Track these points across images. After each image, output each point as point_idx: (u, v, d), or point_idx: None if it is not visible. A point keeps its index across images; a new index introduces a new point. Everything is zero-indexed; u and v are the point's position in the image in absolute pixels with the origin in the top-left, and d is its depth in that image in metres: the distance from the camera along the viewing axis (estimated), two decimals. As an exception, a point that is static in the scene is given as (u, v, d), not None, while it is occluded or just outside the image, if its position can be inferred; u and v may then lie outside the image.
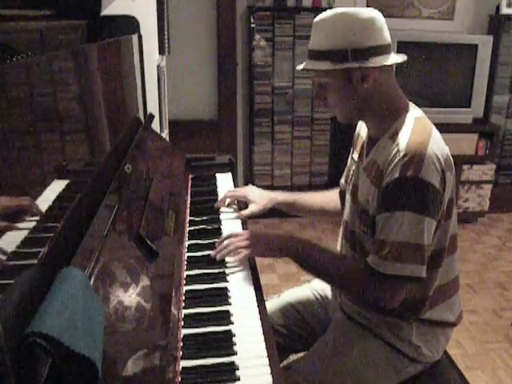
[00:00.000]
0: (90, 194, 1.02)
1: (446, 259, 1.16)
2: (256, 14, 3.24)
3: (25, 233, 0.73)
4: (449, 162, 1.09)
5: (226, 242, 1.25)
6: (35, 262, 0.73)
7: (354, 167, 1.30)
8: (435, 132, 1.11)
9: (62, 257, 0.78)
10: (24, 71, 0.80)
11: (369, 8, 1.11)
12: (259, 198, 1.51)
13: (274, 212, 1.53)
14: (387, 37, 1.11)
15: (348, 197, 1.30)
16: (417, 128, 1.09)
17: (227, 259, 1.24)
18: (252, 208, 1.50)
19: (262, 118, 3.45)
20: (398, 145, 1.07)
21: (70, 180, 0.96)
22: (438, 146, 1.07)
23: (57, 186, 0.89)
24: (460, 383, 1.25)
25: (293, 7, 3.32)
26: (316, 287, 1.46)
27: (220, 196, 1.64)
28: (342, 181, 1.45)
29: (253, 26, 3.25)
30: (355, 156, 1.31)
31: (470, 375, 1.36)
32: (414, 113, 1.14)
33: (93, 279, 0.79)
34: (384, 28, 1.11)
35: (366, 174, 1.18)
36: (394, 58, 1.11)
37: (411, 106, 1.17)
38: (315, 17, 1.13)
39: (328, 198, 1.52)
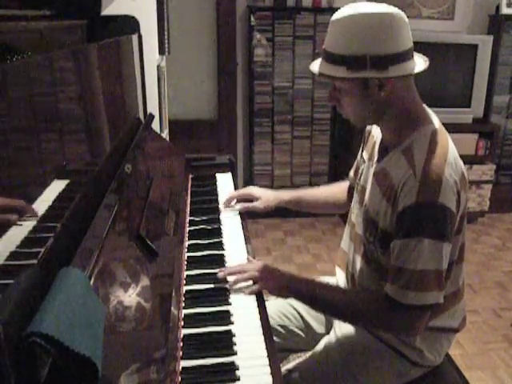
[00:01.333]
0: (90, 194, 1.02)
1: (453, 269, 1.14)
2: (256, 14, 3.24)
3: (25, 233, 0.73)
4: (464, 181, 1.06)
5: (237, 268, 1.19)
6: (35, 262, 0.73)
7: (363, 166, 1.27)
8: (451, 149, 1.06)
9: (62, 257, 0.77)
10: (24, 71, 0.80)
11: (390, 7, 1.02)
12: (264, 195, 1.52)
13: (273, 212, 1.53)
14: (409, 40, 1.04)
15: (356, 196, 1.27)
16: (433, 148, 1.03)
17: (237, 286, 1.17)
18: (256, 203, 1.51)
19: (262, 118, 3.45)
20: (414, 167, 1.02)
21: (69, 180, 0.96)
22: (455, 167, 1.03)
23: (57, 186, 0.89)
24: (460, 382, 1.25)
25: (293, 7, 3.31)
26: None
27: (220, 196, 1.65)
28: (352, 173, 1.42)
29: (253, 25, 3.25)
30: (365, 155, 1.28)
31: (470, 375, 1.36)
32: (431, 126, 1.08)
33: (93, 279, 0.79)
34: (406, 30, 1.03)
35: (376, 181, 1.14)
36: (415, 66, 1.05)
37: (429, 114, 1.12)
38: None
39: (334, 192, 1.51)
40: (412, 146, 1.05)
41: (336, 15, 1.04)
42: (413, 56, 1.06)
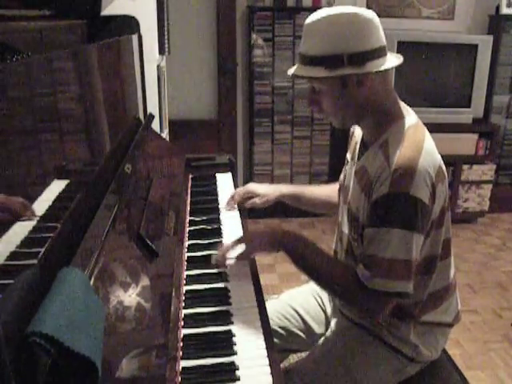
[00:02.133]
0: (90, 194, 1.02)
1: (439, 264, 1.15)
2: (256, 14, 3.24)
3: (25, 233, 0.73)
4: (441, 173, 1.07)
5: (221, 253, 1.24)
6: (35, 262, 0.73)
7: (347, 167, 1.29)
8: (428, 142, 1.08)
9: (62, 257, 0.78)
10: (24, 71, 0.80)
11: (362, 8, 1.06)
12: (263, 190, 1.53)
13: (273, 212, 1.54)
14: (383, 38, 1.07)
15: (341, 196, 1.29)
16: (408, 141, 1.05)
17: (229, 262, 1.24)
18: (255, 199, 1.52)
19: (262, 118, 3.45)
20: (388, 158, 1.04)
21: (69, 180, 0.96)
22: (430, 158, 1.04)
23: (57, 186, 0.89)
24: (460, 383, 1.25)
25: (293, 7, 3.31)
26: (315, 288, 1.45)
27: (220, 196, 1.65)
28: (341, 177, 1.43)
29: (253, 25, 3.25)
30: (348, 156, 1.30)
31: (470, 375, 1.36)
32: (408, 120, 1.10)
33: (93, 279, 0.79)
34: (380, 29, 1.07)
35: (357, 179, 1.16)
36: (391, 61, 1.08)
37: (405, 110, 1.14)
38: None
39: (333, 191, 1.51)
40: (388, 140, 1.08)
41: (309, 19, 1.07)
42: (387, 53, 1.09)
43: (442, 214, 1.10)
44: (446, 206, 1.12)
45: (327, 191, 1.52)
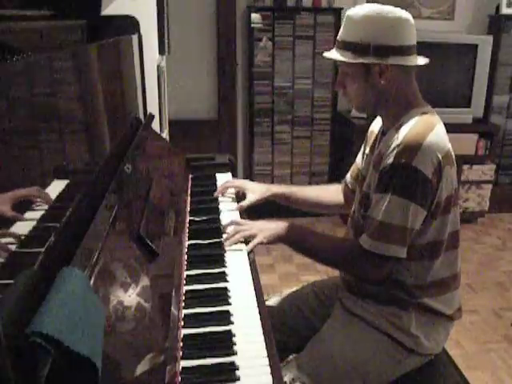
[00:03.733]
0: (90, 194, 1.02)
1: (446, 253, 1.19)
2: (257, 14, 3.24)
3: (25, 233, 0.73)
4: (449, 156, 1.13)
5: (231, 230, 1.32)
6: (35, 262, 0.73)
7: (364, 162, 1.35)
8: (439, 128, 1.15)
9: (62, 257, 0.77)
10: (24, 71, 0.80)
11: (398, 8, 1.16)
12: (257, 187, 1.57)
13: (273, 212, 1.54)
14: (412, 39, 1.16)
15: (357, 191, 1.34)
16: (420, 121, 1.13)
17: (239, 247, 1.29)
18: (250, 198, 1.54)
19: (262, 118, 3.45)
20: (398, 133, 1.13)
21: (69, 180, 0.96)
22: (439, 140, 1.11)
23: (57, 186, 0.89)
24: (460, 382, 1.25)
25: (293, 7, 3.31)
26: (317, 286, 1.46)
27: (220, 196, 1.64)
28: (348, 177, 1.50)
29: (253, 26, 3.25)
30: (367, 150, 1.36)
31: (470, 375, 1.35)
32: (424, 109, 1.19)
33: (93, 279, 0.79)
34: (410, 30, 1.16)
35: (374, 166, 1.23)
36: (414, 60, 1.17)
37: (425, 104, 1.22)
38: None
39: (324, 191, 1.58)
40: (402, 123, 1.16)
41: (351, 10, 1.18)
42: (415, 54, 1.18)
43: (449, 202, 1.15)
44: (454, 195, 1.17)
45: (320, 192, 1.57)
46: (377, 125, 1.35)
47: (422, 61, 1.18)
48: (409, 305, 1.20)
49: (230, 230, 1.35)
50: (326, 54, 1.24)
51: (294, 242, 1.29)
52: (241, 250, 1.29)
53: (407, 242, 1.12)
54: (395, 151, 1.10)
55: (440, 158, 1.09)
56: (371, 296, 1.25)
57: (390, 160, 1.10)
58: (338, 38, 1.22)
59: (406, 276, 1.18)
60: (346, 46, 1.17)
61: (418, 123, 1.13)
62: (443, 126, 1.18)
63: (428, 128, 1.12)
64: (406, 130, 1.12)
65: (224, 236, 1.33)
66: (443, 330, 1.25)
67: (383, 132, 1.27)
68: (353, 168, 1.48)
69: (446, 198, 1.14)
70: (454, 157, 1.16)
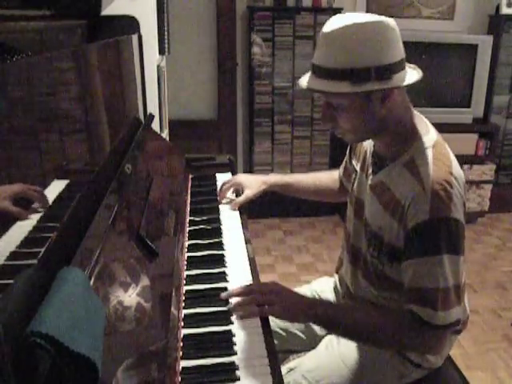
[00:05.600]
0: (90, 194, 1.02)
1: None
2: (256, 14, 3.24)
3: (25, 233, 0.73)
4: (465, 188, 1.05)
5: (247, 296, 1.06)
6: (35, 262, 0.73)
7: (355, 176, 1.25)
8: (452, 156, 1.05)
9: (62, 257, 0.78)
10: (24, 71, 0.80)
11: (383, 16, 0.98)
12: (253, 182, 1.55)
13: (273, 212, 1.54)
14: (403, 49, 1.01)
15: (350, 208, 1.26)
16: (437, 160, 1.01)
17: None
18: (247, 193, 1.54)
19: (262, 118, 3.45)
20: (422, 181, 0.99)
21: (69, 180, 0.96)
22: (459, 178, 1.01)
23: (57, 186, 0.89)
24: (460, 383, 1.25)
25: (293, 7, 3.31)
26: (316, 288, 1.45)
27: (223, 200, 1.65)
28: (341, 172, 1.45)
29: (252, 26, 3.25)
30: (356, 164, 1.26)
31: (470, 375, 1.35)
32: (431, 137, 1.06)
33: (93, 279, 0.79)
34: (400, 40, 1.00)
35: (375, 195, 1.12)
36: (412, 74, 1.02)
37: (425, 125, 1.09)
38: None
39: (322, 180, 1.54)
40: (415, 160, 1.03)
41: (328, 27, 0.97)
42: (405, 66, 1.03)
43: None
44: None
45: (318, 180, 1.54)
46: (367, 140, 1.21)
47: (416, 74, 1.03)
48: None
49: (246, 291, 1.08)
50: (304, 84, 1.02)
51: (323, 324, 1.11)
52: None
53: (463, 298, 1.04)
54: (427, 205, 0.96)
55: (464, 196, 1.01)
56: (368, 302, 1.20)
57: (425, 217, 0.97)
58: (317, 62, 0.99)
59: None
60: (340, 75, 0.95)
61: (437, 164, 1.00)
62: (447, 145, 1.07)
63: (448, 166, 1.00)
64: (429, 177, 0.98)
65: (232, 301, 1.07)
66: (449, 343, 1.22)
67: (379, 158, 1.13)
68: (344, 166, 1.42)
69: None
70: (464, 181, 1.05)
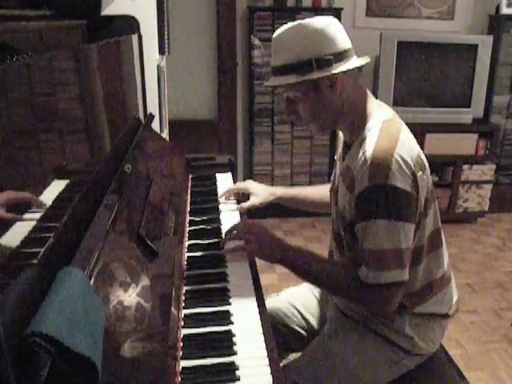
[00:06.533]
0: (90, 194, 1.02)
1: (429, 255, 1.17)
2: (256, 14, 3.24)
3: (25, 233, 0.73)
4: (420, 162, 1.08)
5: (235, 232, 1.28)
6: (35, 262, 0.73)
7: (336, 169, 1.31)
8: (404, 134, 1.10)
9: (62, 257, 0.78)
10: (24, 71, 0.80)
11: (322, 16, 1.13)
12: (260, 190, 1.57)
13: (273, 212, 1.55)
14: (346, 42, 1.13)
15: (332, 197, 1.31)
16: (383, 134, 1.08)
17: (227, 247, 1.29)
18: (253, 200, 1.55)
19: (262, 118, 3.45)
20: (364, 152, 1.06)
21: (70, 180, 0.96)
22: (406, 148, 1.05)
23: (57, 186, 0.89)
24: (459, 382, 1.25)
25: (293, 7, 3.31)
26: (313, 287, 1.46)
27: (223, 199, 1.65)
28: (332, 179, 1.46)
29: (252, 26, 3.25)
30: (336, 157, 1.34)
31: (470, 375, 1.36)
32: (383, 115, 1.13)
33: (93, 279, 0.79)
34: (342, 34, 1.12)
35: (342, 178, 1.18)
36: (357, 62, 1.13)
37: (380, 106, 1.17)
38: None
39: (325, 191, 1.53)
40: (366, 138, 1.10)
41: (275, 34, 1.15)
42: (354, 56, 1.14)
43: (427, 204, 1.11)
44: (431, 197, 1.13)
45: (320, 192, 1.56)
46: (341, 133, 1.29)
47: (363, 60, 1.14)
48: (402, 313, 1.18)
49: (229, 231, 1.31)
50: (268, 83, 1.20)
51: (290, 266, 1.21)
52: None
53: (406, 263, 1.07)
54: (367, 173, 1.04)
55: (412, 167, 1.04)
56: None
57: (365, 183, 1.04)
58: (272, 64, 1.17)
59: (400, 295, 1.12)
60: (287, 70, 1.12)
61: (382, 136, 1.07)
62: (406, 128, 1.13)
63: (393, 139, 1.06)
64: (371, 147, 1.05)
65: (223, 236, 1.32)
66: (439, 328, 1.24)
67: (347, 144, 1.21)
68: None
69: (424, 202, 1.10)
70: (424, 159, 1.11)
